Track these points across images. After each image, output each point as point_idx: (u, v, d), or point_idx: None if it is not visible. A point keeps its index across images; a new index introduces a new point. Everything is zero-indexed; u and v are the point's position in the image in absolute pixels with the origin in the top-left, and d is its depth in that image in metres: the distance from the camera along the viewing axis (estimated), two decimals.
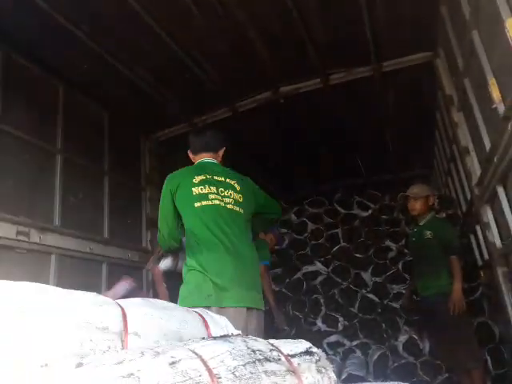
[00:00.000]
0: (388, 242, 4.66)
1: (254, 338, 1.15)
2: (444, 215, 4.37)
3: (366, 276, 4.60)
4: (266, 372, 1.02)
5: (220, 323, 1.31)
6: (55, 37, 2.93)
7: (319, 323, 4.48)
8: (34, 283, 1.09)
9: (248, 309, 1.98)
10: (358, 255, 4.71)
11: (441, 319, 3.22)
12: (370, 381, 3.71)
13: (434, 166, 5.45)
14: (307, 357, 1.18)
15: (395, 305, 4.30)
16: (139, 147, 4.27)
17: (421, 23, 3.19)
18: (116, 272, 3.48)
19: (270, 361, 1.05)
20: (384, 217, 4.84)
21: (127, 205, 4.00)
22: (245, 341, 1.08)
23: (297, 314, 4.53)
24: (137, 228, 4.07)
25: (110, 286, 3.18)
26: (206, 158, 2.32)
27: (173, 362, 0.90)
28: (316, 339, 4.35)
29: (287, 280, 4.69)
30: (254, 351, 1.05)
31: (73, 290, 1.10)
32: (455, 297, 3.12)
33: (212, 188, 2.12)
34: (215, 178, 2.17)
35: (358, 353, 4.17)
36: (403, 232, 4.65)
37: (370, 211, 4.92)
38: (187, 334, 1.19)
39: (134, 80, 3.52)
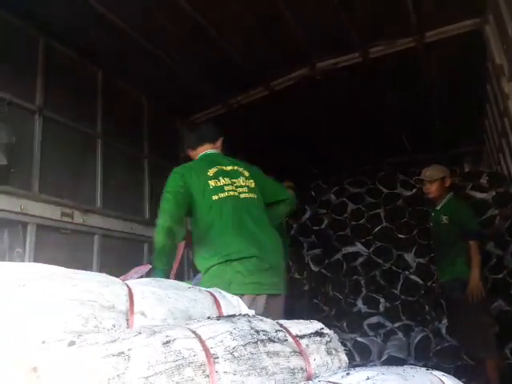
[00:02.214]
0: None
1: (260, 318, 1.14)
2: (494, 193, 4.13)
3: (409, 257, 4.44)
4: (268, 353, 1.00)
5: (232, 303, 1.31)
6: (94, 24, 3.00)
7: (360, 304, 4.41)
8: (39, 264, 1.12)
9: (270, 295, 1.97)
10: (400, 236, 4.55)
11: (455, 306, 3.11)
12: (410, 363, 3.63)
13: (484, 141, 5.12)
14: (317, 338, 1.16)
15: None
16: (177, 130, 4.33)
17: None
18: None
19: (274, 341, 1.04)
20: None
21: None
22: (249, 321, 1.07)
23: (336, 294, 4.48)
24: None
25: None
26: (208, 149, 2.30)
27: (167, 342, 0.90)
28: (356, 320, 4.31)
29: (326, 261, 4.64)
30: (257, 332, 1.03)
31: (80, 270, 1.14)
32: (472, 284, 2.97)
33: (226, 179, 2.11)
34: (224, 168, 2.15)
35: (400, 335, 4.08)
36: None
37: (414, 190, 4.72)
38: (197, 314, 1.20)
39: (170, 63, 3.55)
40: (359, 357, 3.93)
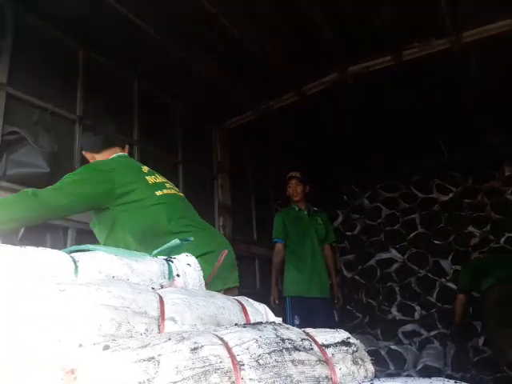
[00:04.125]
0: (471, 228, 4.33)
1: (286, 326, 1.15)
2: None
3: (446, 264, 4.34)
4: (293, 361, 1.02)
5: (260, 310, 1.33)
6: (130, 36, 3.10)
7: (394, 311, 4.34)
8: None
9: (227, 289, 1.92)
10: (436, 242, 4.45)
11: None
12: (447, 373, 3.53)
13: None
14: (343, 347, 1.16)
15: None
16: (210, 136, 4.40)
17: None
18: None
19: (299, 350, 1.05)
20: (466, 201, 4.49)
21: (200, 192, 4.17)
22: (275, 329, 1.09)
23: (370, 301, 4.42)
24: (210, 214, 4.23)
25: None
26: (119, 152, 2.14)
27: (195, 348, 0.93)
28: (390, 327, 4.23)
29: (360, 267, 4.58)
30: (282, 340, 1.05)
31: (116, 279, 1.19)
32: None
33: (159, 177, 2.04)
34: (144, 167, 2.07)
35: (436, 344, 3.97)
36: (489, 217, 4.29)
37: (450, 195, 4.60)
38: (225, 320, 1.23)
39: (202, 71, 3.62)
40: (393, 365, 3.85)
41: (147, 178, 1.96)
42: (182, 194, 2.12)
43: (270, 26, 3.20)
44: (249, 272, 4.54)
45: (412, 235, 4.54)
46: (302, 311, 3.46)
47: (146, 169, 2.05)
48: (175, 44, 3.29)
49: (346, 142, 4.90)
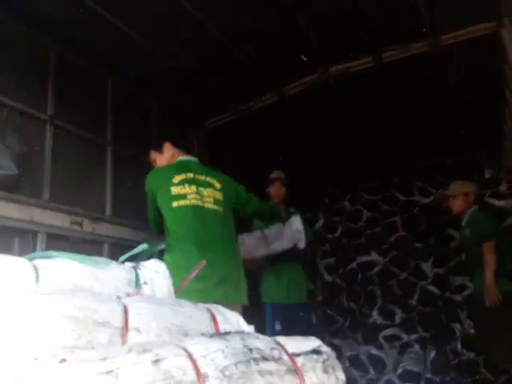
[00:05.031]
0: (451, 231, 4.34)
1: (256, 335, 1.11)
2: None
3: (427, 267, 4.34)
4: (260, 371, 0.97)
5: (231, 319, 1.28)
6: (104, 33, 3.03)
7: (375, 315, 4.32)
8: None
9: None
10: (417, 245, 4.45)
11: (477, 315, 3.03)
12: (426, 377, 3.52)
13: (504, 147, 4.97)
14: (314, 356, 1.12)
15: (458, 297, 4.02)
16: (188, 137, 4.32)
17: None
18: None
19: (267, 360, 1.01)
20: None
21: None
22: (243, 339, 1.04)
23: (351, 305, 4.40)
24: None
25: None
26: (185, 155, 2.38)
27: (157, 360, 0.88)
28: (371, 331, 4.22)
29: (341, 270, 4.56)
30: (250, 350, 1.00)
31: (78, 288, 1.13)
32: (486, 286, 2.86)
33: (192, 187, 2.14)
34: (196, 176, 2.19)
35: (416, 347, 3.97)
36: None
37: (431, 197, 4.61)
38: (193, 329, 1.17)
39: (180, 70, 3.56)
40: (374, 370, 3.83)
41: (172, 188, 2.15)
42: (208, 206, 2.19)
43: (250, 26, 3.16)
44: None
45: (393, 238, 4.55)
46: (283, 317, 3.42)
47: (178, 178, 2.18)
48: (152, 43, 3.22)
49: (327, 143, 4.88)
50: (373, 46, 3.51)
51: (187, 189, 2.14)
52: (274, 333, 3.30)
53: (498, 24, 3.18)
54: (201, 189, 2.17)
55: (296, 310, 3.44)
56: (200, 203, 2.14)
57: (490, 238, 3.09)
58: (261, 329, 1.43)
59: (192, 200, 2.13)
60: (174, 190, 2.14)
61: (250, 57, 3.49)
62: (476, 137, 4.89)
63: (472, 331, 3.80)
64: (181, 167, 2.26)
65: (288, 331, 3.24)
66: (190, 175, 2.19)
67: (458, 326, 3.90)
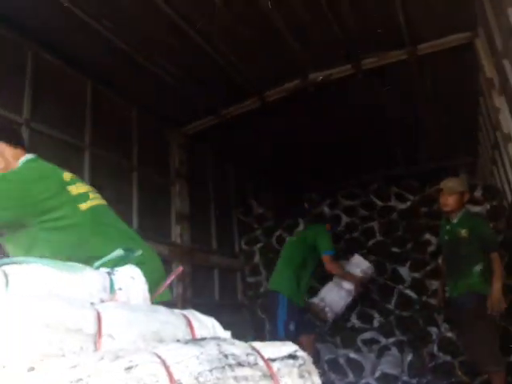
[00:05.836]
0: (428, 236, 4.41)
1: (232, 341, 1.10)
2: (488, 207, 4.09)
3: (404, 271, 4.39)
4: (235, 377, 0.96)
5: (207, 325, 1.27)
6: (82, 35, 2.98)
7: (354, 319, 4.34)
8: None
9: None
10: (395, 249, 4.51)
11: (464, 319, 3.05)
12: (403, 380, 3.56)
13: (479, 154, 5.10)
14: (290, 361, 1.11)
15: (434, 301, 4.08)
16: (167, 141, 4.30)
17: (458, 0, 2.97)
18: None
19: (243, 365, 1.00)
20: (424, 209, 4.58)
21: (156, 199, 4.05)
22: (218, 344, 1.03)
23: None
24: (166, 222, 4.11)
25: None
26: (28, 155, 1.77)
27: (129, 367, 0.86)
28: (350, 335, 4.24)
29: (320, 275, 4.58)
30: (226, 355, 0.99)
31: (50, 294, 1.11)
32: (494, 297, 2.90)
33: (84, 186, 1.73)
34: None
35: (394, 351, 4.01)
36: None
37: (408, 203, 4.68)
38: (168, 336, 1.16)
39: (160, 74, 3.54)
40: (352, 373, 3.85)
41: (69, 187, 1.64)
42: (104, 202, 1.80)
43: (232, 32, 3.17)
44: (208, 282, 4.44)
45: (371, 243, 4.59)
46: (297, 319, 3.59)
47: (67, 176, 1.70)
48: (133, 47, 3.20)
49: (307, 149, 4.92)
50: (353, 54, 3.57)
51: (83, 188, 1.72)
52: (287, 333, 3.44)
53: (473, 34, 3.27)
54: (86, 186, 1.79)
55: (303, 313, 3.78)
56: (97, 201, 1.75)
57: (499, 247, 3.17)
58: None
59: (94, 200, 1.74)
60: (73, 190, 1.66)
61: (231, 63, 3.49)
62: (451, 144, 5.02)
63: (449, 334, 3.87)
64: (50, 164, 1.80)
65: (297, 334, 3.38)
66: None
67: (434, 329, 3.95)
